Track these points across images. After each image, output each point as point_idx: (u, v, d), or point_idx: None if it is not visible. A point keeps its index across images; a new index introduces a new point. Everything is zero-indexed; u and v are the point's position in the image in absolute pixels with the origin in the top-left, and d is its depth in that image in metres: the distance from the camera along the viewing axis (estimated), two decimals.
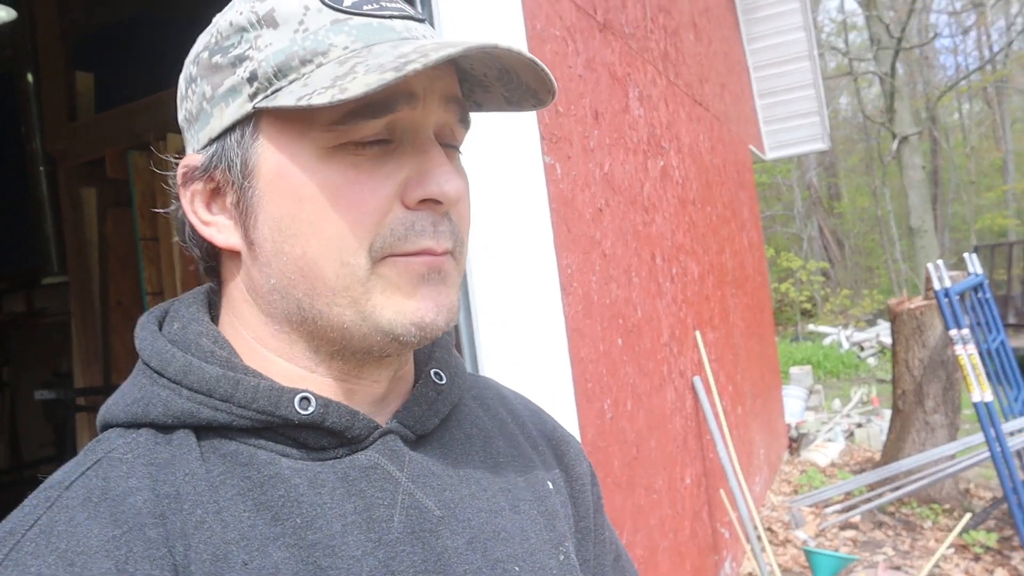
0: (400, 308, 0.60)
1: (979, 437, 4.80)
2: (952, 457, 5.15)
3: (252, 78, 0.59)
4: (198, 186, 0.64)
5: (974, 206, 22.17)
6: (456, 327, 2.16)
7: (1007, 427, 4.68)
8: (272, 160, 0.60)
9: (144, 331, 0.65)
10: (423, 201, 0.60)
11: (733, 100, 6.95)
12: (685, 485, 3.77)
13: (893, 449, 5.61)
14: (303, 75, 0.57)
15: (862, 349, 13.27)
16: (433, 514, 0.63)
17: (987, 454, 4.60)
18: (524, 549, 0.68)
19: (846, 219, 24.82)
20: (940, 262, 4.78)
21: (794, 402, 7.68)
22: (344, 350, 0.63)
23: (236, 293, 0.66)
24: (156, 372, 0.62)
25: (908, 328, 5.58)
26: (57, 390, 4.61)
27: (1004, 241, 15.70)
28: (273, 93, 0.58)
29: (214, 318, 0.69)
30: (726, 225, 5.85)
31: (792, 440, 7.13)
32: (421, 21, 0.63)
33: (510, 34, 2.46)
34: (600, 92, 3.29)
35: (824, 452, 6.77)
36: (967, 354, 4.46)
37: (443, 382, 0.71)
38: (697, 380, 4.16)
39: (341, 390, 0.64)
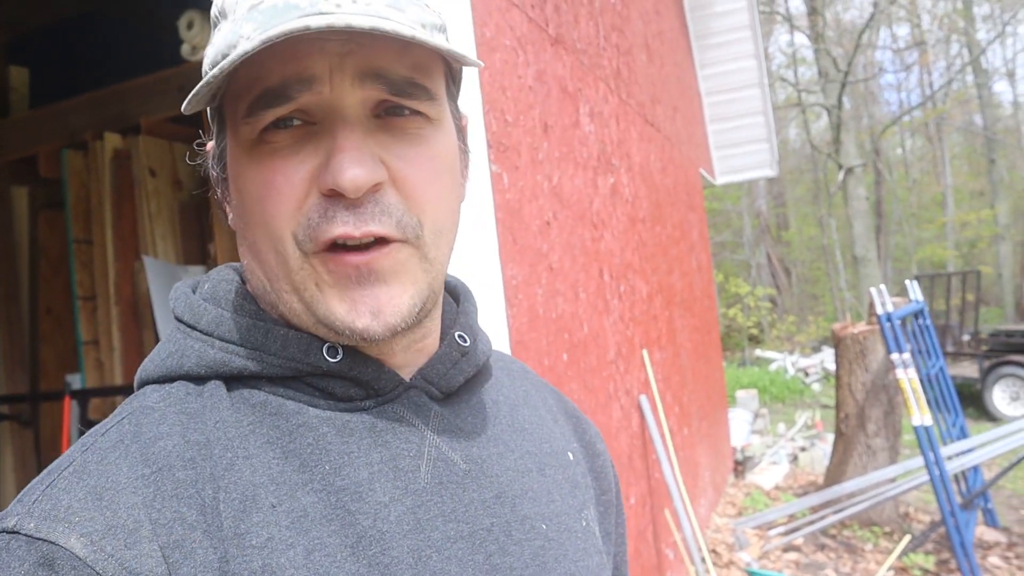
0: (331, 309, 0.59)
1: (918, 461, 4.85)
2: (892, 480, 5.20)
3: (205, 74, 0.61)
4: (215, 170, 0.68)
5: (915, 238, 22.78)
6: None
7: (945, 451, 4.73)
8: (229, 153, 0.63)
9: (178, 292, 0.68)
10: (326, 189, 0.57)
11: (685, 123, 7.01)
12: (629, 504, 3.72)
13: (836, 472, 5.64)
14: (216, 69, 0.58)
15: (807, 375, 13.45)
16: (459, 467, 0.64)
17: (926, 478, 4.65)
18: (551, 510, 0.69)
19: (793, 247, 25.28)
20: (883, 287, 4.84)
21: (740, 425, 7.71)
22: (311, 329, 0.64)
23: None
24: (189, 326, 0.65)
25: (851, 352, 5.64)
26: None
27: (943, 272, 16.12)
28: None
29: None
30: (675, 246, 5.86)
31: (737, 463, 7.15)
32: None
33: (458, 40, 2.41)
34: (550, 105, 3.26)
35: (769, 475, 6.80)
36: (908, 378, 4.51)
37: (467, 344, 0.71)
38: (643, 399, 4.13)
39: None
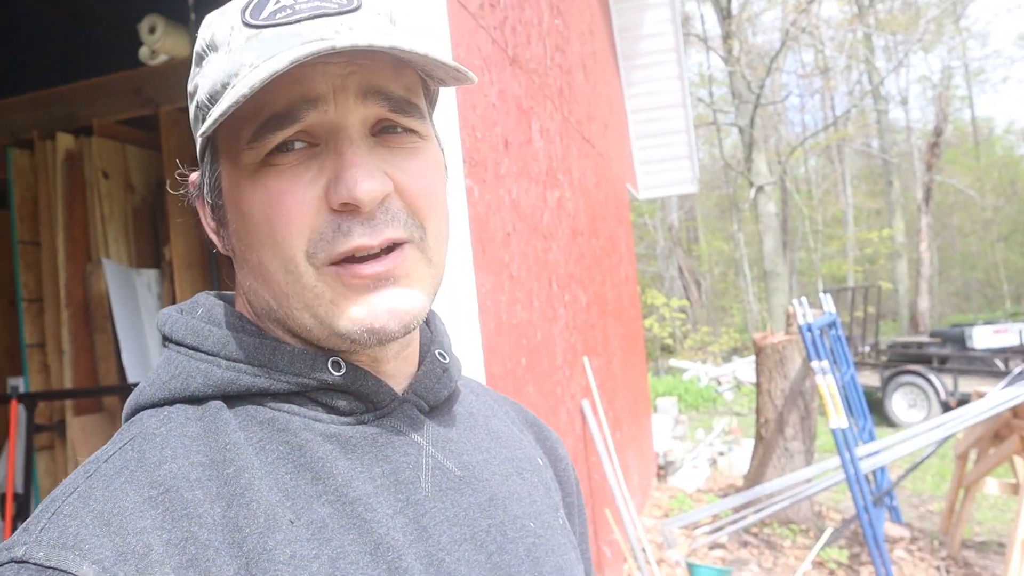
0: (351, 317, 0.62)
1: (832, 462, 5.20)
2: (808, 481, 5.55)
3: (198, 107, 0.65)
4: (201, 199, 0.70)
5: (820, 253, 23.94)
6: None
7: (858, 452, 5.09)
8: (225, 179, 0.65)
9: (171, 317, 0.69)
10: (344, 204, 0.60)
11: (614, 140, 7.28)
12: None
13: (756, 474, 5.97)
14: (223, 99, 0.59)
15: (719, 384, 13.98)
16: (454, 474, 0.69)
17: (840, 478, 5.00)
18: (534, 509, 0.74)
19: (703, 261, 26.16)
20: (804, 299, 5.18)
21: (662, 431, 8.02)
22: (325, 344, 0.66)
23: (240, 291, 0.71)
24: (192, 348, 0.66)
25: (771, 361, 5.99)
26: None
27: (847, 286, 17.03)
28: (208, 118, 0.60)
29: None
30: (608, 258, 6.11)
31: (660, 467, 7.44)
32: (339, 13, 0.61)
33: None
34: (510, 122, 3.42)
35: (691, 478, 7.11)
36: (826, 384, 4.84)
37: (447, 360, 0.76)
38: (585, 403, 4.33)
39: None
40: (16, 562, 0.52)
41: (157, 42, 3.63)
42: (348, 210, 0.61)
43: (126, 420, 0.66)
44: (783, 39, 18.73)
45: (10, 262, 4.10)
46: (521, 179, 3.53)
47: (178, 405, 0.64)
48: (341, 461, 0.63)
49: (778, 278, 17.68)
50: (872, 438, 5.97)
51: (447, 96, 2.67)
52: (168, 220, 3.81)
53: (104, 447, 0.62)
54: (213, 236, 0.70)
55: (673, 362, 16.53)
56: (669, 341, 18.33)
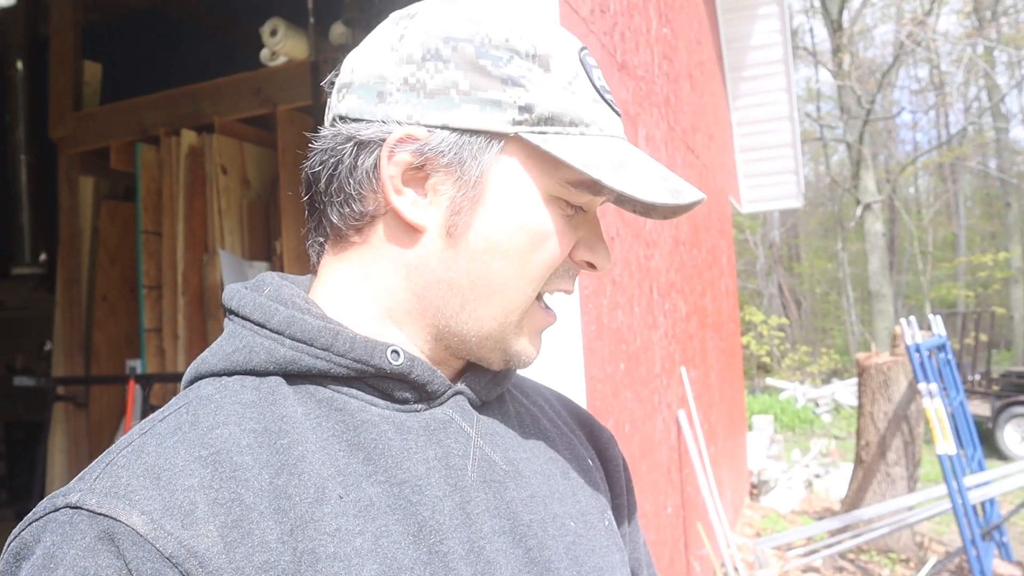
0: (524, 347, 0.72)
1: (938, 490, 4.97)
2: (911, 508, 5.32)
3: (526, 109, 0.65)
4: (406, 156, 0.66)
5: (928, 276, 22.93)
6: None
7: (967, 481, 4.86)
8: (507, 181, 0.67)
9: (238, 293, 0.70)
10: (591, 264, 0.73)
11: (718, 152, 7.18)
12: (667, 514, 3.85)
13: (854, 498, 5.76)
14: (567, 133, 0.66)
15: (817, 405, 13.56)
16: (500, 467, 0.71)
17: (945, 507, 4.78)
18: (576, 509, 0.76)
19: (804, 279, 25.43)
20: (912, 319, 4.98)
21: (756, 449, 7.83)
22: (460, 348, 0.71)
23: (385, 262, 0.69)
24: (258, 324, 0.67)
25: (875, 382, 5.77)
26: (37, 378, 4.53)
27: (956, 311, 16.28)
28: (540, 133, 0.66)
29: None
30: (708, 269, 6.02)
31: (753, 485, 7.26)
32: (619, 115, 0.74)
33: None
34: None
35: (785, 499, 6.92)
36: (933, 408, 4.64)
37: None
38: (681, 413, 4.27)
39: None
40: (71, 507, 0.55)
41: (278, 44, 3.78)
42: (583, 266, 0.73)
43: (185, 387, 0.68)
44: (896, 53, 18.09)
45: (134, 251, 4.34)
46: None
47: (236, 377, 0.66)
48: (395, 441, 0.65)
49: (883, 300, 17.02)
50: (981, 468, 5.68)
51: None
52: (280, 215, 3.95)
53: (161, 409, 0.65)
54: (400, 198, 0.67)
55: (770, 381, 16.11)
56: (766, 359, 17.87)
